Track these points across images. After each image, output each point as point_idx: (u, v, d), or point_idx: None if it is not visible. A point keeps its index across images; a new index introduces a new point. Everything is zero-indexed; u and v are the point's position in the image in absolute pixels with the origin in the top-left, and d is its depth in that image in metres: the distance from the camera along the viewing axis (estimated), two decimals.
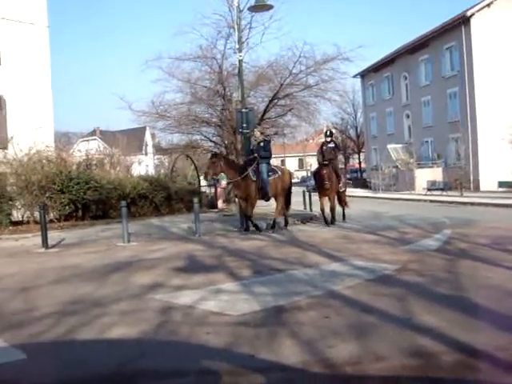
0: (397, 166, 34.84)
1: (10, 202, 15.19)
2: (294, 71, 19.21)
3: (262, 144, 12.63)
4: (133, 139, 43.90)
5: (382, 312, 4.76)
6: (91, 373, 3.58)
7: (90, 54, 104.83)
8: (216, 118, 20.46)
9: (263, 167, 12.35)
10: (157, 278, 6.89)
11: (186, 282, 6.57)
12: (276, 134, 23.64)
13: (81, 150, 40.86)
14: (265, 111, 19.51)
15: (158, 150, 36.07)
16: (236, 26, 14.98)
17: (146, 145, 57.13)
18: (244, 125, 13.90)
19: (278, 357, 3.70)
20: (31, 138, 16.62)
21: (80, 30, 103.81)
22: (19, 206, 15.74)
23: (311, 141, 70.96)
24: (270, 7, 14.13)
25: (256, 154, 12.53)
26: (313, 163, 70.38)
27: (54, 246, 11.08)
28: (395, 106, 39.62)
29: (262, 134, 13.33)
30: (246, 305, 5.25)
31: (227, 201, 20.81)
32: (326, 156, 13.67)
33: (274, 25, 20.56)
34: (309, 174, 38.02)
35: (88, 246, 11.14)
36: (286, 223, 13.29)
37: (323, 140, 14.85)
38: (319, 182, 13.52)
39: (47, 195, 15.51)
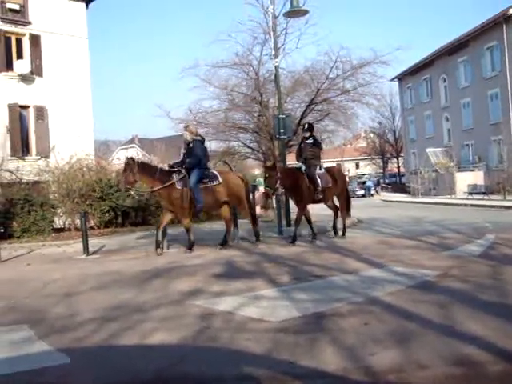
0: (436, 170, 34.27)
1: (53, 210, 15.60)
2: (330, 76, 19.08)
3: (191, 145, 10.84)
4: (171, 146, 44.40)
5: (423, 319, 4.66)
6: (133, 377, 3.64)
7: (128, 62, 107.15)
8: (253, 124, 20.48)
9: (193, 173, 10.64)
10: (196, 284, 6.93)
11: (226, 288, 6.58)
12: None
13: (120, 158, 41.56)
14: (302, 117, 19.43)
15: None
16: (272, 32, 15.04)
17: None
18: (281, 131, 13.89)
19: (318, 364, 3.66)
20: (72, 147, 17.06)
21: (118, 39, 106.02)
22: (61, 214, 16.16)
23: (349, 145, 70.70)
24: (305, 12, 14.12)
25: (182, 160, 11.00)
26: (350, 168, 70.11)
27: (94, 253, 11.31)
28: (434, 109, 39.02)
29: (191, 133, 11.00)
30: (286, 311, 5.23)
31: (265, 207, 20.76)
32: (304, 155, 11.61)
33: (309, 30, 20.59)
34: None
35: (128, 252, 11.30)
36: (257, 236, 11.75)
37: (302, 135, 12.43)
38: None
39: (88, 203, 15.84)
